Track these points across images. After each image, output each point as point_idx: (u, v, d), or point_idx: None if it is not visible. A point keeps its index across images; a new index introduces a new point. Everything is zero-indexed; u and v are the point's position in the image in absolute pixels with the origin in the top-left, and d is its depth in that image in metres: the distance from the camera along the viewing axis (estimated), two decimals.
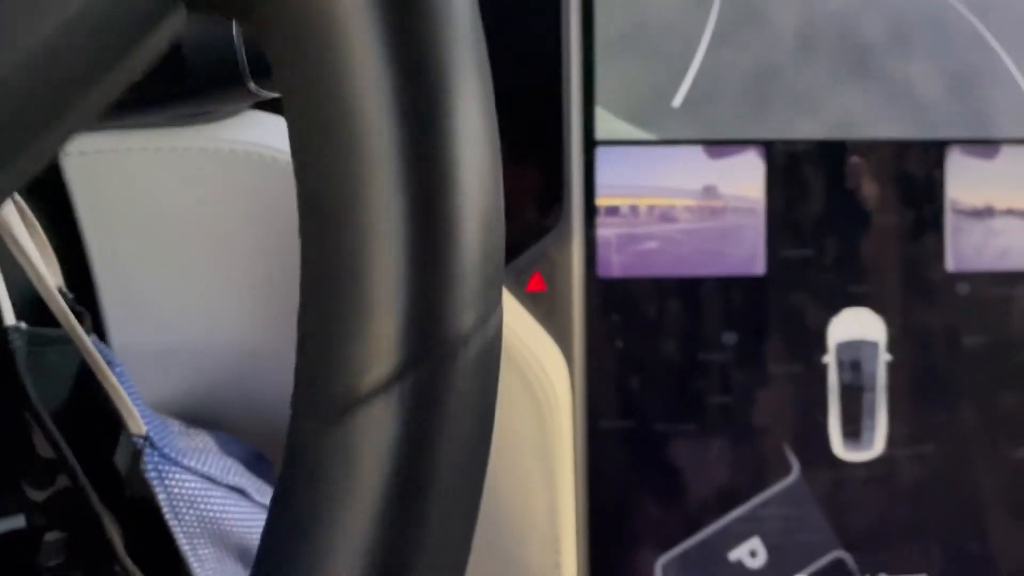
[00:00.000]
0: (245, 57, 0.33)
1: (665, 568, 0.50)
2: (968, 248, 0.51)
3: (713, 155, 0.50)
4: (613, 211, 0.49)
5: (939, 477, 0.51)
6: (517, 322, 0.45)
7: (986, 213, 0.51)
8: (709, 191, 0.50)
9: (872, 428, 0.51)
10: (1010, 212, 0.52)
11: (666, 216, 0.49)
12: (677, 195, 0.50)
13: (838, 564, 0.50)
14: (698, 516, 0.50)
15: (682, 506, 0.50)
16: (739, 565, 0.50)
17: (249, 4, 0.18)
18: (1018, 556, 0.52)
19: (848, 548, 0.50)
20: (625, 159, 0.49)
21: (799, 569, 0.50)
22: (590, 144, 0.48)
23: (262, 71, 0.33)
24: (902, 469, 0.51)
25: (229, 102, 0.37)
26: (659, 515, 0.49)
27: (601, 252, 0.48)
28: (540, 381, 0.45)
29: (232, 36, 0.32)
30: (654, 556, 0.50)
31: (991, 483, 0.51)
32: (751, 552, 0.50)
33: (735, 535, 0.50)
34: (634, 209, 0.49)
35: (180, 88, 0.33)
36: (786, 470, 0.50)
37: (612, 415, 0.49)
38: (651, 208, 0.49)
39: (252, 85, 0.33)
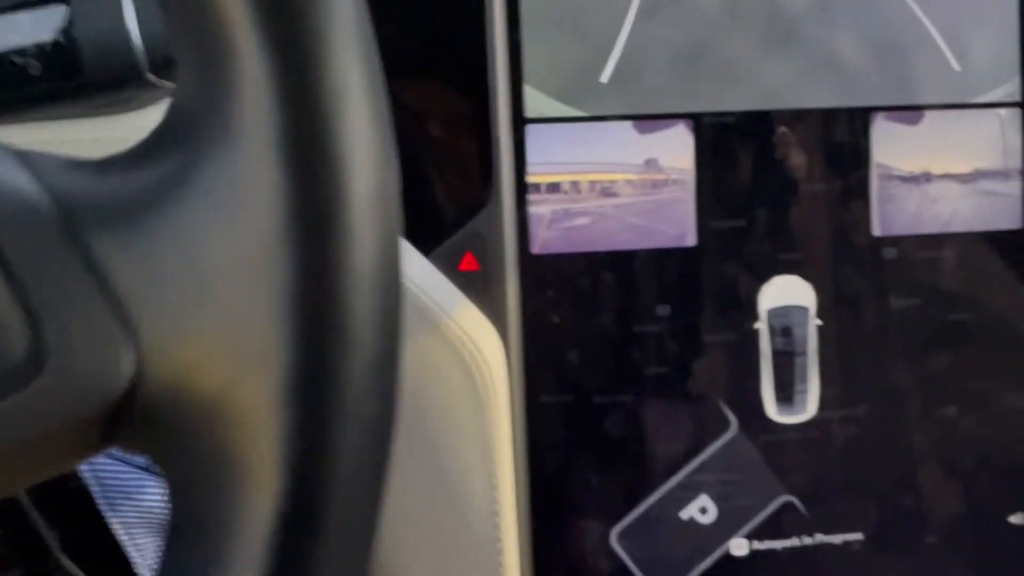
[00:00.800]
0: (143, 49, 0.32)
1: (620, 538, 0.51)
2: (895, 213, 0.52)
3: (642, 130, 0.50)
4: (545, 188, 0.49)
5: (871, 438, 0.52)
6: (450, 302, 0.45)
7: (922, 178, 0.52)
8: (649, 164, 0.50)
9: (804, 392, 0.52)
10: (946, 176, 0.53)
11: (599, 191, 0.50)
12: (610, 170, 0.50)
13: (787, 507, 0.51)
14: (644, 483, 0.51)
15: (627, 475, 0.51)
16: (691, 523, 0.51)
17: None
18: (950, 513, 0.54)
19: (793, 493, 0.52)
20: (555, 136, 0.49)
21: (750, 518, 0.51)
22: (519, 122, 0.48)
23: (160, 63, 0.32)
24: (835, 431, 0.52)
25: (129, 94, 0.36)
26: (605, 486, 0.50)
27: (534, 229, 0.49)
28: (475, 360, 0.45)
29: (128, 30, 0.32)
30: (606, 527, 0.51)
31: (922, 442, 0.53)
32: (701, 509, 0.51)
33: (683, 496, 0.51)
34: (566, 185, 0.49)
35: (77, 83, 0.32)
36: (724, 427, 0.51)
37: (551, 390, 0.49)
38: (583, 184, 0.50)
39: (150, 76, 0.33)
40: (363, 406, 0.20)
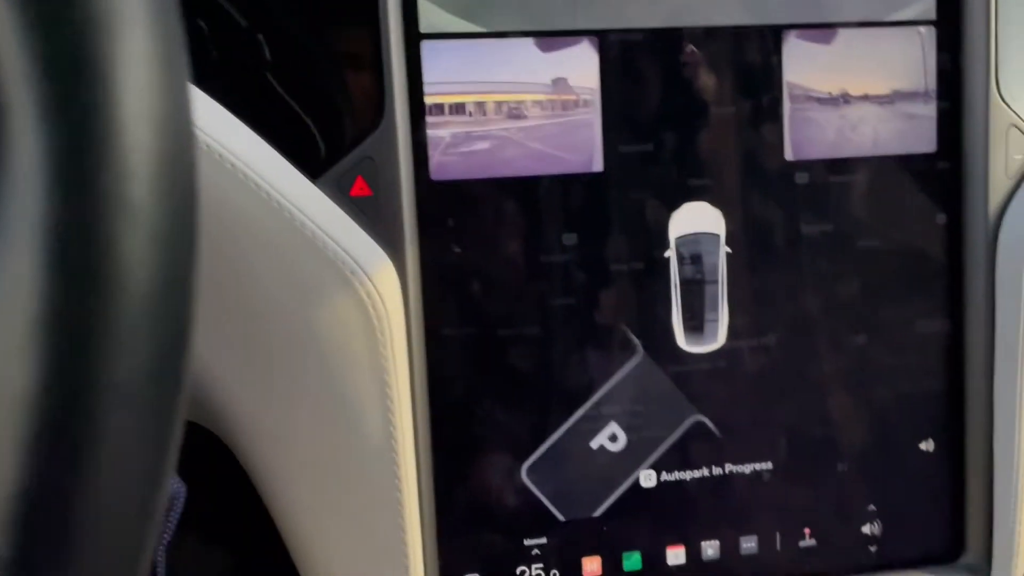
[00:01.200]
0: None
1: (530, 472, 0.49)
2: (808, 136, 0.51)
3: (545, 47, 0.47)
4: (446, 109, 0.46)
5: (781, 367, 0.52)
6: (341, 230, 0.43)
7: (837, 100, 0.51)
8: (558, 84, 0.48)
9: (715, 321, 0.51)
10: (863, 98, 0.51)
11: (506, 113, 0.47)
12: (515, 90, 0.47)
13: (698, 426, 0.51)
14: (552, 415, 0.49)
15: (534, 408, 0.49)
16: (602, 451, 0.50)
17: None
18: (860, 441, 0.53)
19: (703, 401, 0.51)
20: (453, 54, 0.46)
21: (660, 442, 0.50)
22: (413, 38, 0.45)
23: None
24: (744, 360, 0.51)
25: None
26: (512, 420, 0.49)
27: (432, 153, 0.46)
28: (368, 292, 0.43)
29: None
30: (516, 462, 0.49)
31: (832, 371, 0.52)
32: (611, 436, 0.50)
33: (591, 426, 0.49)
34: (470, 107, 0.47)
35: None
36: (631, 353, 0.50)
37: (451, 323, 0.47)
38: (489, 105, 0.47)
39: None
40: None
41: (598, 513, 0.50)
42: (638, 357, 0.49)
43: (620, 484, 0.50)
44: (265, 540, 0.55)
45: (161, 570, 0.49)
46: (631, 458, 0.50)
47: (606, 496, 0.50)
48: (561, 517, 0.50)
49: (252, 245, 0.42)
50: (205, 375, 0.45)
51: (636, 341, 0.49)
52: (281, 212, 0.41)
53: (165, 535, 0.48)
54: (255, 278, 0.42)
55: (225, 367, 0.45)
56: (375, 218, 0.44)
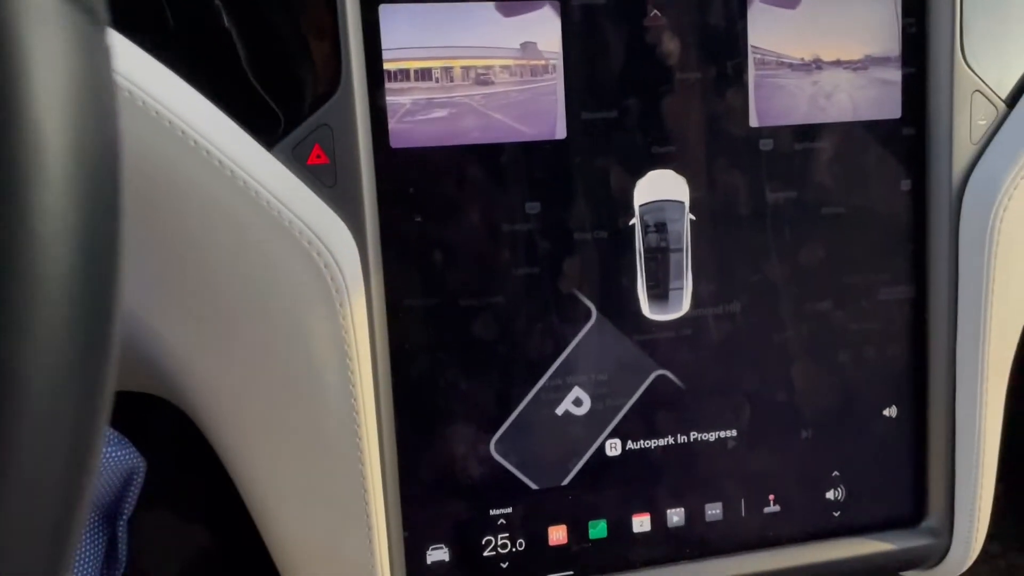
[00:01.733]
0: None
1: (498, 446, 0.49)
2: (772, 102, 0.50)
3: (506, 12, 0.47)
4: (402, 75, 0.45)
5: (745, 334, 0.51)
6: (297, 200, 0.42)
7: (800, 66, 0.50)
8: (526, 49, 0.47)
9: (680, 289, 0.50)
10: (832, 63, 0.51)
11: (474, 78, 0.46)
12: (480, 55, 0.47)
13: (662, 380, 0.51)
14: (515, 386, 0.49)
15: (497, 379, 0.49)
16: (568, 417, 0.49)
17: None
18: (824, 408, 0.53)
19: (666, 367, 0.51)
20: (413, 18, 0.45)
21: (626, 400, 0.50)
22: (372, 2, 0.44)
23: None
24: (709, 328, 0.51)
25: None
26: (475, 392, 0.48)
27: (391, 120, 0.45)
28: (327, 263, 0.42)
29: None
30: (480, 434, 0.49)
31: (797, 338, 0.52)
32: (575, 401, 0.50)
33: (555, 393, 0.49)
34: (425, 73, 0.46)
35: None
36: (586, 316, 0.49)
37: (413, 294, 0.47)
38: (445, 71, 0.46)
39: None
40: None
41: (564, 482, 0.50)
42: (593, 320, 0.49)
43: (587, 449, 0.50)
44: (231, 514, 0.55)
45: (123, 545, 0.48)
46: (597, 421, 0.50)
47: (573, 465, 0.50)
48: (528, 487, 0.50)
49: (206, 215, 0.41)
50: (164, 348, 0.44)
51: (589, 304, 0.49)
52: (235, 181, 0.40)
53: (126, 509, 0.48)
54: (210, 249, 0.41)
55: (184, 340, 0.44)
56: (333, 187, 0.43)
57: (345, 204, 0.44)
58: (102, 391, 0.19)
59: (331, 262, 0.42)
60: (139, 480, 0.47)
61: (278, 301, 0.42)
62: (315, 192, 0.43)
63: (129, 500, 0.47)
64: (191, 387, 0.45)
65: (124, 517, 0.47)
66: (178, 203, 0.41)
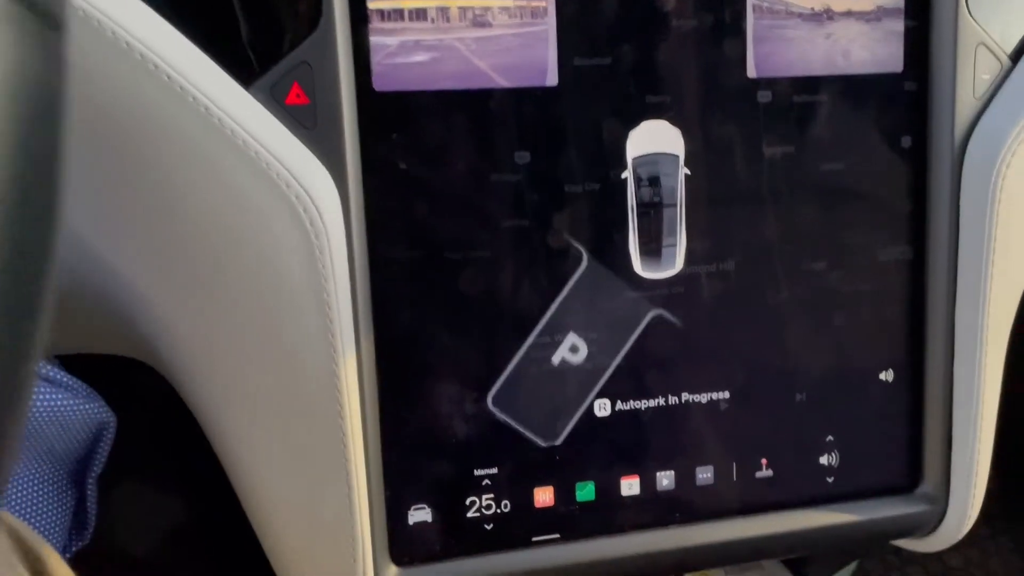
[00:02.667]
0: None
1: (496, 401, 0.47)
2: (771, 53, 0.49)
3: None
4: (387, 14, 0.43)
5: (739, 294, 0.50)
6: (276, 141, 0.40)
7: (799, 16, 0.49)
8: None
9: (673, 246, 0.49)
10: (831, 14, 0.49)
11: (452, 20, 0.44)
12: None
13: (659, 320, 0.49)
14: (506, 339, 0.47)
15: (486, 333, 0.47)
16: (565, 365, 0.48)
17: None
18: (819, 370, 0.52)
19: (664, 306, 0.49)
20: None
21: (623, 343, 0.49)
22: None
23: None
24: (702, 287, 0.49)
25: None
26: (461, 348, 0.47)
27: (375, 61, 0.43)
28: (307, 209, 0.40)
29: None
30: (465, 391, 0.47)
31: (792, 298, 0.51)
32: (571, 348, 0.48)
33: (550, 341, 0.48)
34: (409, 12, 0.44)
35: None
36: (578, 260, 0.47)
37: (397, 245, 0.45)
38: (431, 11, 0.44)
39: None
40: None
41: (556, 442, 0.48)
42: (584, 264, 0.47)
43: (582, 403, 0.48)
44: (210, 484, 0.53)
45: (92, 504, 0.47)
46: (594, 368, 0.48)
47: (565, 424, 0.49)
48: (515, 447, 0.48)
49: (179, 155, 0.39)
50: (137, 299, 0.42)
51: (580, 248, 0.47)
52: (209, 118, 0.38)
53: (96, 467, 0.46)
54: (183, 191, 0.39)
55: (155, 289, 0.42)
56: (313, 129, 0.41)
57: (326, 148, 0.42)
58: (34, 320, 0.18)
59: (310, 207, 0.40)
60: (109, 436, 0.45)
61: (254, 246, 0.40)
62: (294, 134, 0.41)
63: (99, 457, 0.45)
64: (165, 341, 0.44)
65: (93, 475, 0.45)
66: (150, 142, 0.39)
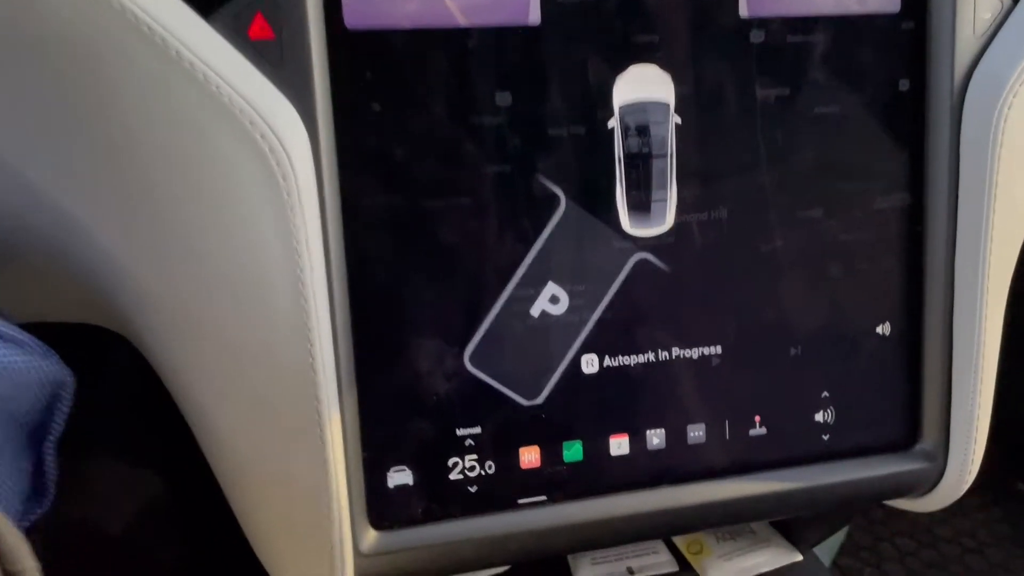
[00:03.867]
0: None
1: (474, 358, 0.45)
2: None
3: None
4: None
5: (733, 246, 0.48)
6: (239, 77, 0.37)
7: None
8: None
9: (663, 200, 0.47)
10: None
11: None
12: None
13: (645, 269, 0.47)
14: (485, 291, 0.45)
15: (465, 285, 0.44)
16: (545, 317, 0.46)
17: None
18: (814, 324, 0.50)
19: (649, 250, 0.47)
20: None
21: (606, 290, 0.46)
22: None
23: None
24: (694, 238, 0.47)
25: None
26: (441, 300, 0.44)
27: None
28: (273, 150, 0.38)
29: None
30: (445, 346, 0.45)
31: (785, 249, 0.49)
32: (551, 298, 0.46)
33: (528, 293, 0.45)
34: None
35: None
36: (555, 204, 0.45)
37: (373, 191, 0.43)
38: None
39: None
40: None
41: (539, 400, 0.46)
42: (562, 209, 0.45)
43: (564, 357, 0.46)
44: (184, 459, 0.51)
45: (51, 470, 0.44)
46: (576, 320, 0.46)
47: (548, 379, 0.46)
48: (498, 405, 0.46)
49: (134, 90, 0.36)
50: (96, 247, 0.40)
51: (559, 192, 0.45)
52: (166, 50, 0.36)
53: (54, 429, 0.43)
54: (140, 129, 0.37)
55: (115, 237, 0.40)
56: (279, 66, 0.39)
57: (293, 86, 0.39)
58: None
59: (277, 146, 0.38)
60: (67, 396, 0.42)
61: (217, 188, 0.38)
62: (260, 71, 0.38)
63: (57, 419, 0.43)
64: (126, 295, 0.41)
65: (51, 438, 0.43)
66: (104, 76, 0.36)
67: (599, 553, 0.63)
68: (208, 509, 0.56)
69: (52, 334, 0.43)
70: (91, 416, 0.70)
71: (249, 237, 0.39)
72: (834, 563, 1.19)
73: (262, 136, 0.37)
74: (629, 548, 0.63)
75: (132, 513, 0.78)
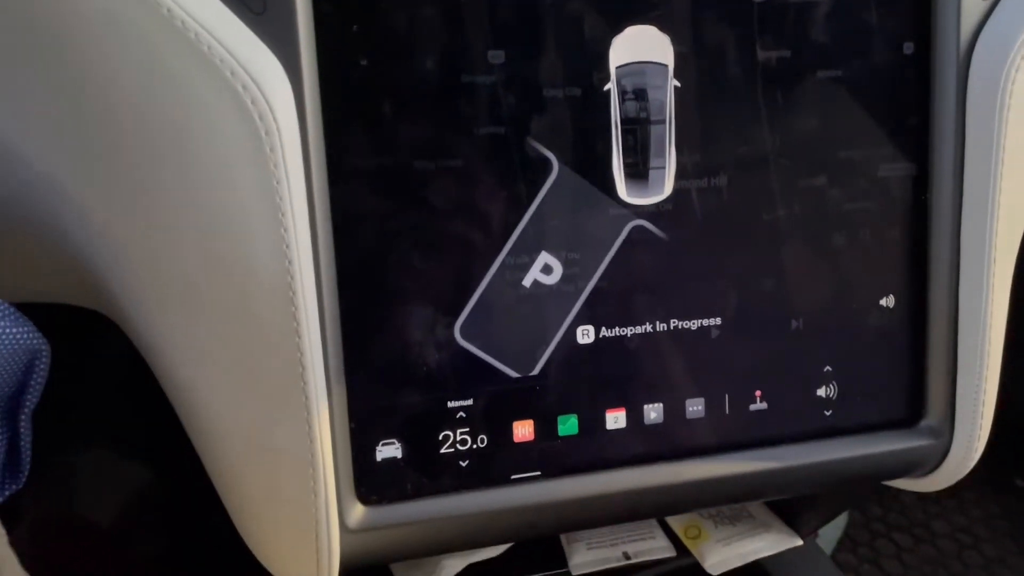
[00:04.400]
0: None
1: (464, 330, 0.43)
2: None
3: None
4: None
5: (732, 214, 0.46)
6: (222, 30, 0.36)
7: None
8: None
9: (662, 168, 0.45)
10: None
11: None
12: None
13: (640, 230, 0.45)
14: (475, 260, 0.43)
15: (456, 252, 0.43)
16: (538, 287, 0.44)
17: None
18: (817, 295, 0.49)
19: (646, 218, 0.45)
20: None
21: (601, 259, 0.45)
22: None
23: None
24: (693, 206, 0.46)
25: None
26: (430, 267, 0.43)
27: None
28: (254, 99, 0.36)
29: None
30: (437, 314, 0.43)
31: (786, 218, 0.47)
32: (544, 268, 0.44)
33: (522, 261, 0.44)
34: None
35: None
36: (547, 168, 0.43)
37: (360, 150, 0.41)
38: None
39: None
40: None
41: (533, 372, 0.45)
42: (554, 174, 0.43)
43: (559, 329, 0.45)
44: (173, 452, 0.49)
45: (27, 443, 0.42)
46: (570, 290, 0.44)
47: (542, 351, 0.45)
48: (490, 376, 0.44)
49: (109, 38, 0.35)
50: (72, 210, 0.38)
51: (551, 157, 0.43)
52: None
53: (29, 401, 0.42)
54: (115, 79, 0.35)
55: (92, 196, 0.38)
56: (262, 14, 0.37)
57: (277, 37, 0.38)
58: None
59: (259, 99, 0.36)
60: (43, 366, 0.41)
61: (197, 143, 0.36)
62: (241, 19, 0.37)
63: (32, 390, 0.41)
64: (103, 261, 0.39)
65: (26, 410, 0.41)
66: (77, 23, 0.34)
67: (595, 538, 0.61)
68: (195, 498, 0.54)
69: (33, 317, 0.41)
70: (77, 405, 0.69)
71: (230, 192, 0.37)
72: (831, 559, 1.18)
73: (243, 87, 0.36)
74: (625, 532, 0.62)
75: (119, 503, 0.76)
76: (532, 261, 0.44)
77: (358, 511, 0.43)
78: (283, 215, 0.37)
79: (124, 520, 0.76)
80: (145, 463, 0.78)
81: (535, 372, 0.45)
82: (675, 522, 0.63)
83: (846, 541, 1.24)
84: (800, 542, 0.62)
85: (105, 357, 0.72)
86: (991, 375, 0.49)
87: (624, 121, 0.44)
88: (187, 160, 0.36)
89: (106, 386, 0.74)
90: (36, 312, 0.41)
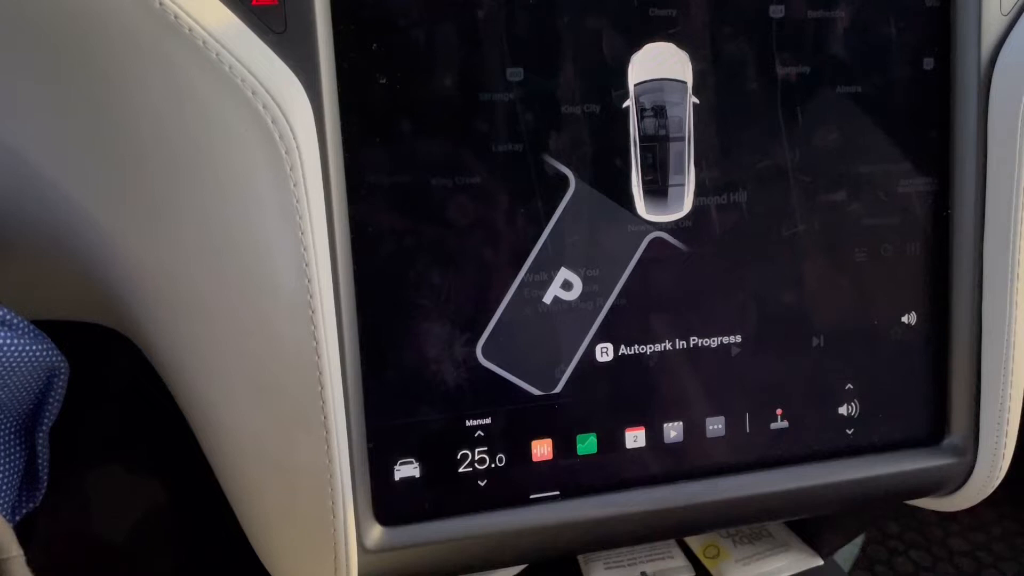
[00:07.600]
0: None
1: (486, 349, 0.43)
2: None
3: None
4: None
5: (753, 231, 0.46)
6: (239, 43, 0.36)
7: None
8: None
9: (681, 185, 0.45)
10: None
11: None
12: None
13: (659, 249, 0.45)
14: (496, 278, 0.43)
15: (476, 270, 0.43)
16: (558, 303, 0.44)
17: None
18: (838, 312, 0.48)
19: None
20: None
21: (620, 275, 0.44)
22: None
23: None
24: (712, 223, 0.45)
25: None
26: (450, 285, 0.42)
27: None
28: (275, 117, 0.36)
29: None
30: (456, 332, 0.43)
31: (808, 235, 0.47)
32: (565, 284, 0.44)
33: (542, 278, 0.43)
34: None
35: None
36: (565, 185, 0.43)
37: (379, 169, 0.41)
38: None
39: None
40: None
41: (555, 390, 0.44)
42: (572, 188, 0.43)
43: (579, 346, 0.44)
44: (188, 470, 0.49)
45: (44, 461, 0.42)
46: (590, 306, 0.44)
47: (562, 370, 0.44)
48: (510, 395, 0.44)
49: (132, 57, 0.35)
50: (93, 229, 0.38)
51: (569, 173, 0.43)
52: (165, 15, 0.34)
53: (47, 417, 0.41)
54: (138, 97, 0.35)
55: (115, 217, 0.38)
56: (282, 34, 0.37)
57: (297, 56, 0.38)
58: None
59: (280, 117, 0.36)
60: (61, 384, 0.41)
61: (219, 161, 0.36)
62: (262, 39, 0.37)
63: (50, 407, 0.41)
64: (123, 281, 0.39)
65: (44, 426, 0.41)
66: (100, 44, 0.34)
67: (612, 558, 0.60)
68: (208, 514, 0.54)
69: (50, 333, 0.41)
70: (91, 422, 0.69)
71: (250, 211, 0.37)
72: None
73: (264, 107, 0.36)
74: (643, 552, 0.61)
75: (133, 521, 0.76)
76: (552, 278, 0.43)
77: (376, 531, 0.43)
78: (303, 233, 0.37)
79: (138, 538, 0.76)
80: (159, 481, 0.77)
81: (557, 390, 0.44)
82: (693, 541, 0.63)
83: (863, 559, 1.22)
84: (820, 562, 0.61)
85: (119, 374, 0.72)
86: (1016, 392, 0.48)
87: (643, 138, 0.44)
88: (208, 178, 0.36)
89: (120, 403, 0.74)
90: (50, 329, 0.41)
